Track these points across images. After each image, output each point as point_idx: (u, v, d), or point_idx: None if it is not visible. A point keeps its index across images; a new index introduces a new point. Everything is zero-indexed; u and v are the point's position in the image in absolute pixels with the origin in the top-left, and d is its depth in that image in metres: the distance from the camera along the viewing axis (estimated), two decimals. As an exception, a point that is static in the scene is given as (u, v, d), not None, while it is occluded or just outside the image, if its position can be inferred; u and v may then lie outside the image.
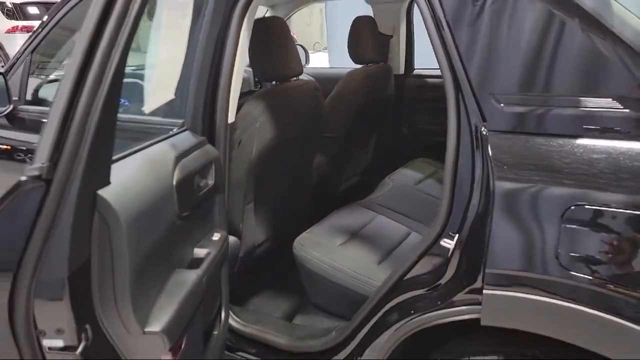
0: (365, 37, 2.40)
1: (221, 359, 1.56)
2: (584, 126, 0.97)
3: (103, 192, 0.99)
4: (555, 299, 0.97)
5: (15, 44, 9.04)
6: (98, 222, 0.98)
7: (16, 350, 0.99)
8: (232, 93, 1.55)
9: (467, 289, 1.09)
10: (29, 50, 2.00)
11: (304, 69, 2.02)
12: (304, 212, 2.19)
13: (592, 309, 0.94)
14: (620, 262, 0.93)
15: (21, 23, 9.51)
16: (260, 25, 1.65)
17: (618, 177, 0.92)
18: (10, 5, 9.87)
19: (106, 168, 1.02)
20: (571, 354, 1.03)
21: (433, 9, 1.12)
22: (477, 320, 1.07)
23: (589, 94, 0.97)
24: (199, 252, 1.34)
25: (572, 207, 0.94)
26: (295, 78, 1.90)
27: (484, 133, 1.05)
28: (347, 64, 2.58)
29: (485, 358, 1.12)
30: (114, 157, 1.07)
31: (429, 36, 1.14)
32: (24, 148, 1.87)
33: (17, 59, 2.03)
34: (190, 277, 1.23)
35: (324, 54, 9.48)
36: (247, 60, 1.66)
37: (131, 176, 1.11)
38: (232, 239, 1.68)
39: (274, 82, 1.86)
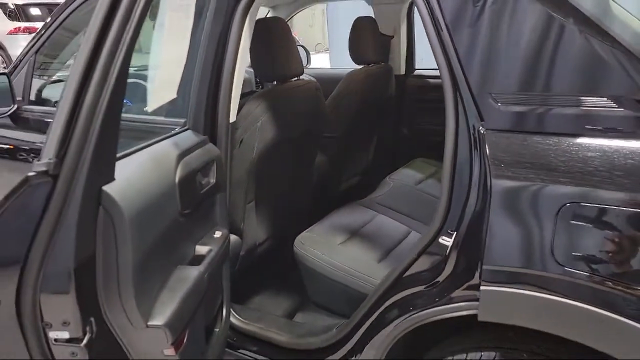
0: (366, 38, 2.41)
1: (222, 356, 1.58)
2: (580, 125, 0.98)
3: (108, 188, 1.01)
4: (551, 294, 0.98)
5: (18, 45, 9.07)
6: (103, 217, 1.01)
7: (23, 342, 1.01)
8: (233, 93, 1.57)
9: (464, 286, 1.10)
10: (32, 51, 2.03)
11: (305, 69, 2.04)
12: (304, 212, 2.21)
13: (588, 304, 0.95)
14: (615, 258, 0.95)
15: (23, 24, 9.54)
16: (261, 26, 1.67)
17: (612, 175, 0.93)
18: (12, 7, 9.91)
19: (111, 164, 1.04)
20: (567, 350, 1.05)
21: (432, 11, 1.14)
22: (475, 316, 1.08)
23: (585, 93, 0.98)
24: (201, 249, 1.37)
25: (568, 205, 0.96)
26: (296, 78, 1.92)
27: (482, 132, 1.07)
28: (348, 65, 2.60)
29: (482, 354, 1.13)
30: (118, 155, 1.10)
31: (428, 37, 1.16)
32: (28, 147, 1.89)
33: (21, 59, 2.05)
34: (192, 273, 1.25)
35: (326, 54, 9.50)
36: (248, 60, 1.68)
37: (135, 173, 1.13)
38: (233, 237, 1.70)
39: (274, 82, 1.87)
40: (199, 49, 1.52)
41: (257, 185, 1.79)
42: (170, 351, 1.12)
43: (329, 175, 2.45)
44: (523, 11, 1.02)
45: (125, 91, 1.03)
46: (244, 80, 1.64)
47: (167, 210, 1.21)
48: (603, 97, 0.96)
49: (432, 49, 1.15)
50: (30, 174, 0.92)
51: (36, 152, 1.76)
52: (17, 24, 9.55)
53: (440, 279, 1.16)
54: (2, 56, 9.56)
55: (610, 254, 0.95)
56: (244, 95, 1.73)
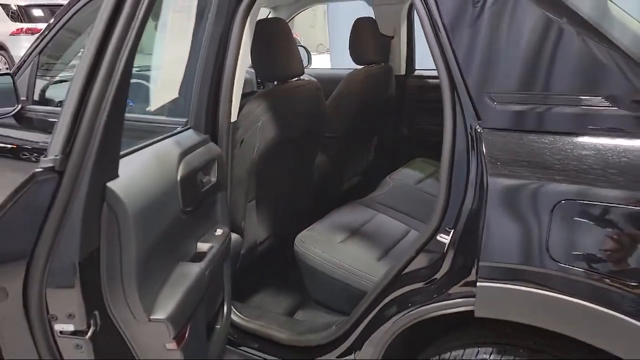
0: (366, 38, 2.43)
1: (223, 353, 1.60)
2: (575, 124, 1.00)
3: (112, 185, 1.04)
4: (546, 290, 1.00)
5: (20, 46, 9.12)
6: (107, 213, 1.03)
7: (29, 334, 1.04)
8: (234, 93, 1.59)
9: (461, 282, 1.12)
10: (36, 52, 2.05)
11: (306, 69, 2.05)
12: (305, 211, 2.22)
13: (582, 300, 0.96)
14: (609, 254, 0.96)
15: (26, 25, 9.58)
16: (262, 27, 1.69)
17: (606, 173, 0.94)
18: (15, 8, 9.95)
19: (114, 162, 1.07)
20: (564, 345, 1.06)
21: (430, 12, 1.15)
22: (472, 313, 1.10)
23: (580, 93, 0.99)
24: (202, 246, 1.39)
25: (562, 202, 0.97)
26: (296, 78, 1.94)
27: (479, 131, 1.08)
28: (348, 65, 2.62)
29: (479, 350, 1.15)
30: (122, 153, 1.12)
31: (426, 38, 1.17)
32: (32, 147, 1.91)
33: (25, 60, 2.08)
34: (194, 269, 1.27)
35: (328, 55, 9.51)
36: (249, 60, 1.70)
37: (138, 171, 1.16)
38: (234, 236, 1.72)
39: (275, 83, 1.89)
40: (201, 50, 1.54)
41: (257, 185, 1.81)
42: (172, 345, 1.15)
43: (330, 175, 2.47)
44: (520, 13, 1.04)
45: (128, 90, 1.06)
46: (245, 81, 1.66)
47: (169, 208, 1.23)
48: (598, 96, 0.97)
49: (430, 50, 1.17)
50: (37, 170, 0.95)
51: (39, 152, 1.78)
52: (19, 25, 9.59)
53: (438, 275, 1.18)
54: (4, 57, 9.60)
55: (605, 251, 0.96)
56: (245, 96, 1.75)
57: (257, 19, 1.66)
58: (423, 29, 1.18)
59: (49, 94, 2.24)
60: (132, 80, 1.10)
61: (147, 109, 1.66)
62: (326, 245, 1.74)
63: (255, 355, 1.63)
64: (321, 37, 12.63)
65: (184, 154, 1.32)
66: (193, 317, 1.27)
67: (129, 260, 1.06)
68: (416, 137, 2.93)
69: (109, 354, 1.13)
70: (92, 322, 1.04)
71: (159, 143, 1.31)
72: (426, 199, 2.18)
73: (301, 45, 3.29)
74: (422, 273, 1.23)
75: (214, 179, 1.47)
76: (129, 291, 1.07)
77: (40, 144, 1.90)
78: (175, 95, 1.45)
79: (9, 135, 1.98)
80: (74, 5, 1.91)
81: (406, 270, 1.27)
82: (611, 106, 0.96)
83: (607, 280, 0.95)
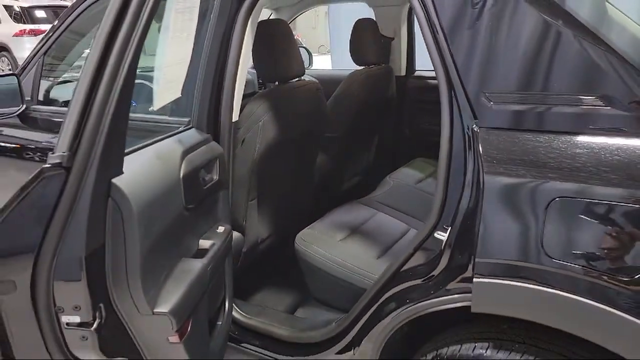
0: (367, 39, 2.45)
1: (224, 349, 1.62)
2: (569, 123, 1.02)
3: (117, 181, 1.07)
4: (541, 286, 1.01)
5: (23, 47, 9.17)
6: (112, 208, 1.06)
7: (37, 325, 1.07)
8: (236, 92, 1.62)
9: (458, 278, 1.13)
10: (41, 53, 2.08)
11: (307, 70, 2.07)
12: (306, 210, 2.24)
13: (576, 295, 0.98)
14: (603, 250, 0.97)
15: (29, 26, 9.63)
16: (263, 28, 1.71)
17: (599, 171, 0.96)
18: (17, 9, 10.00)
19: (119, 159, 1.10)
20: (560, 341, 1.08)
21: (428, 14, 1.17)
22: (469, 308, 1.12)
23: (574, 93, 1.01)
24: (204, 243, 1.41)
25: (557, 199, 0.99)
26: (297, 79, 1.96)
27: (475, 130, 1.10)
28: (349, 66, 2.64)
29: (476, 345, 1.16)
30: (126, 151, 1.15)
31: (424, 39, 1.19)
32: (37, 147, 1.94)
33: (29, 61, 2.10)
34: (196, 265, 1.29)
35: (329, 56, 9.53)
36: (250, 61, 1.73)
37: (142, 168, 1.19)
38: (236, 234, 1.74)
39: (276, 83, 1.92)
40: (203, 50, 1.57)
41: (259, 184, 1.83)
42: (174, 338, 1.17)
43: (330, 174, 2.48)
44: (516, 16, 1.05)
45: (133, 89, 1.08)
46: (246, 81, 1.68)
47: (172, 204, 1.26)
48: (592, 97, 0.99)
49: (428, 50, 1.19)
50: (45, 166, 0.98)
51: (44, 152, 1.81)
52: (22, 26, 9.64)
53: (436, 272, 1.19)
54: (7, 58, 9.65)
55: (599, 247, 0.97)
56: (246, 96, 1.77)
57: (259, 20, 1.69)
58: (421, 30, 1.20)
59: (53, 94, 2.27)
60: (136, 81, 1.13)
61: (150, 109, 1.69)
62: (326, 244, 1.76)
63: (257, 351, 1.64)
64: (323, 38, 12.65)
65: (186, 152, 1.35)
66: (195, 312, 1.29)
67: (133, 255, 1.09)
68: (416, 137, 2.94)
69: (113, 346, 1.15)
70: (97, 314, 1.07)
71: (162, 142, 1.34)
72: (426, 198, 2.19)
73: (302, 47, 3.31)
74: (420, 270, 1.25)
75: (215, 178, 1.50)
76: (133, 285, 1.10)
77: (44, 143, 1.93)
78: (178, 95, 1.48)
79: (14, 135, 2.01)
80: (77, 8, 1.94)
81: (405, 268, 1.29)
82: (604, 106, 0.98)
83: (601, 276, 0.96)
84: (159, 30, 1.37)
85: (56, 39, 2.04)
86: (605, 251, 0.97)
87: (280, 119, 1.79)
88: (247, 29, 1.60)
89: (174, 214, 1.26)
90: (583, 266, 0.98)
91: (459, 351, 1.18)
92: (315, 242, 1.76)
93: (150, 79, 1.94)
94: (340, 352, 1.45)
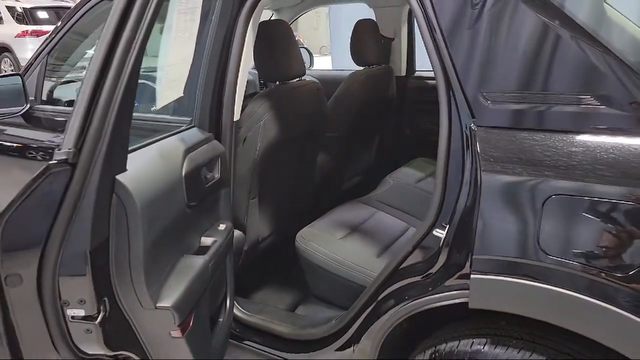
0: (367, 40, 2.46)
1: (226, 346, 1.64)
2: (565, 122, 1.03)
3: (121, 177, 1.10)
4: (538, 282, 1.02)
5: (25, 48, 9.19)
6: (116, 204, 1.08)
7: (42, 318, 1.09)
8: (237, 92, 1.63)
9: (456, 275, 1.14)
10: (44, 53, 2.10)
11: (308, 71, 2.09)
12: (306, 210, 2.26)
13: (572, 291, 0.99)
14: (598, 247, 0.98)
15: (31, 27, 9.65)
16: (264, 28, 1.73)
17: (595, 169, 0.98)
18: (20, 10, 10.03)
19: (123, 156, 1.13)
20: (557, 336, 1.10)
21: (426, 14, 1.19)
22: (467, 305, 1.13)
23: (571, 93, 1.02)
24: (206, 240, 1.43)
25: (553, 197, 1.01)
26: (298, 79, 1.98)
27: (473, 128, 1.12)
28: (349, 66, 2.66)
29: (474, 341, 1.18)
30: (130, 148, 1.18)
31: (423, 39, 1.21)
32: (40, 146, 1.95)
33: (33, 61, 2.13)
34: (198, 262, 1.31)
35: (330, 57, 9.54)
36: (252, 61, 1.74)
37: (145, 165, 1.21)
38: (237, 233, 1.76)
39: (277, 82, 1.93)
40: (205, 50, 1.59)
41: (260, 182, 1.84)
42: (177, 333, 1.19)
43: (331, 174, 2.50)
44: (515, 17, 1.07)
45: (136, 89, 1.11)
46: (248, 82, 1.70)
47: (175, 202, 1.28)
48: (588, 96, 1.00)
49: (427, 51, 1.21)
50: (52, 162, 1.01)
51: (48, 151, 1.83)
52: (24, 27, 9.66)
53: (434, 269, 1.21)
54: (9, 59, 9.69)
55: (594, 244, 0.98)
56: (248, 97, 1.79)
57: (260, 20, 1.71)
58: (420, 30, 1.22)
59: (56, 94, 2.29)
60: (139, 81, 1.15)
61: (152, 109, 1.71)
62: (327, 242, 1.77)
63: (257, 348, 1.66)
64: (324, 39, 12.65)
65: (188, 150, 1.37)
66: (197, 308, 1.31)
67: (137, 250, 1.11)
68: (417, 137, 2.96)
69: (117, 340, 1.18)
70: (101, 307, 1.09)
71: (164, 140, 1.36)
72: (425, 198, 2.20)
73: (304, 47, 3.33)
74: (418, 267, 1.26)
75: (217, 176, 1.51)
76: (136, 279, 1.12)
77: (47, 142, 1.95)
78: (180, 94, 1.50)
79: (18, 135, 2.03)
80: (80, 9, 1.96)
81: (403, 265, 1.30)
82: (600, 105, 0.99)
83: (597, 273, 0.97)
84: (160, 31, 1.39)
85: (59, 39, 2.06)
86: (601, 248, 0.98)
87: (281, 119, 1.80)
88: (249, 29, 1.62)
89: (176, 211, 1.28)
90: (579, 263, 0.99)
91: (457, 347, 1.18)
92: (315, 241, 1.78)
93: (153, 80, 1.97)
94: (340, 349, 1.46)
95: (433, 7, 1.17)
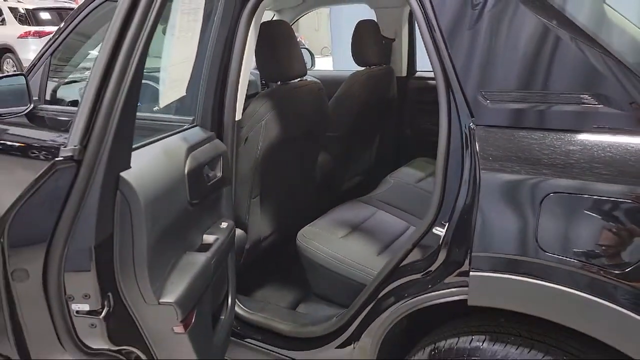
0: (368, 40, 2.47)
1: (227, 343, 1.65)
2: (563, 121, 1.04)
3: (125, 174, 1.11)
4: (536, 279, 1.03)
5: (28, 49, 9.22)
6: (120, 201, 1.10)
7: (48, 313, 1.11)
8: (239, 92, 1.65)
9: (456, 272, 1.16)
10: (48, 53, 2.12)
11: (309, 71, 2.10)
12: (307, 209, 2.26)
13: (570, 288, 1.00)
14: (595, 244, 0.99)
15: (33, 28, 9.67)
16: (266, 29, 1.74)
17: (592, 167, 0.99)
18: (23, 11, 10.06)
19: (127, 153, 1.15)
20: (556, 333, 1.11)
21: (426, 15, 1.20)
22: (466, 302, 1.14)
23: (568, 92, 1.03)
24: (208, 238, 1.45)
25: (551, 195, 1.02)
26: (299, 79, 1.99)
27: (472, 128, 1.13)
28: (349, 67, 2.67)
29: (473, 337, 1.19)
30: (134, 146, 1.19)
31: (423, 39, 1.22)
32: (43, 145, 1.97)
33: (36, 62, 2.14)
34: (200, 259, 1.33)
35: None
36: (253, 61, 1.76)
37: (148, 163, 1.23)
38: (238, 231, 1.77)
39: (278, 82, 1.95)
40: (207, 51, 1.61)
41: (261, 181, 1.86)
42: (179, 328, 1.21)
43: (332, 174, 2.51)
44: (513, 17, 1.08)
45: (140, 89, 1.13)
46: (249, 82, 1.72)
47: (177, 199, 1.30)
48: (585, 96, 1.01)
49: (427, 51, 1.22)
50: (58, 158, 1.03)
51: (51, 150, 1.84)
52: (27, 28, 9.69)
53: (434, 267, 1.22)
54: (12, 59, 9.72)
55: (592, 241, 0.99)
56: (249, 97, 1.81)
57: (262, 21, 1.72)
58: (420, 31, 1.23)
59: (60, 94, 2.30)
60: (142, 81, 1.17)
61: (155, 108, 1.72)
62: (328, 241, 1.78)
63: (259, 346, 1.67)
64: (325, 40, 12.66)
65: (191, 149, 1.39)
66: (199, 305, 1.33)
67: (140, 246, 1.13)
68: (417, 137, 2.97)
69: (120, 335, 1.19)
70: (105, 302, 1.11)
71: (167, 138, 1.38)
72: (426, 197, 2.21)
73: (305, 48, 3.35)
74: (418, 265, 1.28)
75: (219, 174, 1.53)
76: (140, 275, 1.14)
77: (50, 142, 1.96)
78: (183, 94, 1.52)
79: (22, 134, 2.05)
80: (83, 10, 1.98)
81: (404, 263, 1.31)
82: (598, 104, 1.00)
83: (595, 269, 0.98)
84: (163, 32, 1.41)
85: (63, 40, 2.08)
86: (599, 245, 0.99)
87: (282, 118, 1.82)
88: (250, 30, 1.64)
89: (179, 208, 1.30)
90: (577, 260, 1.00)
91: (456, 344, 1.19)
92: (316, 239, 1.79)
93: (155, 80, 1.99)
94: (340, 347, 1.48)
95: (433, 7, 1.18)
